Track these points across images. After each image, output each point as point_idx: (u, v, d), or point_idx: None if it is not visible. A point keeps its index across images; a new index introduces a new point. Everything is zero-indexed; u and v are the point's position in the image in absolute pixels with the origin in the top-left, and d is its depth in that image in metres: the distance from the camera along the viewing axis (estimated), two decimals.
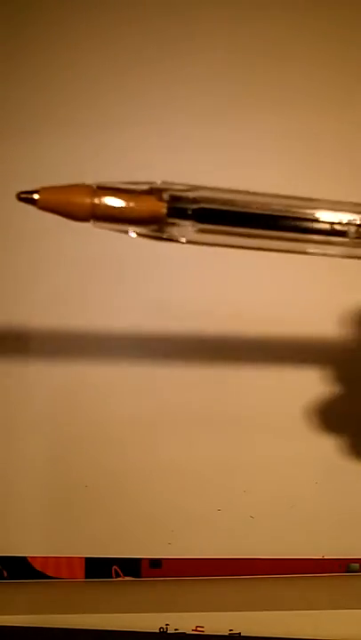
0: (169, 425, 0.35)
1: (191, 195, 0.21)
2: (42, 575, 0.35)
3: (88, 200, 0.20)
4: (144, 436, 0.35)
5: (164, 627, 0.33)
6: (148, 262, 0.36)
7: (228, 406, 0.35)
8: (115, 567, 0.35)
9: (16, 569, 0.35)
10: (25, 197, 0.20)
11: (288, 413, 0.35)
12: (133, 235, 0.21)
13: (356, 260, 0.22)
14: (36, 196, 0.20)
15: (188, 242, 0.21)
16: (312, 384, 0.34)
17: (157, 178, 0.35)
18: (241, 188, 0.21)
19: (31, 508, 0.35)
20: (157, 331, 0.35)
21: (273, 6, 0.37)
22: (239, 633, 0.32)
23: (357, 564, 0.34)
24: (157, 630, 0.33)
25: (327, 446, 0.34)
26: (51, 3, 0.37)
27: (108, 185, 0.20)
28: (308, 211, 0.21)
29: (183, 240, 0.21)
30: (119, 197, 0.20)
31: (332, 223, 0.21)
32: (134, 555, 0.35)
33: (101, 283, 0.36)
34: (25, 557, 0.35)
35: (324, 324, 0.35)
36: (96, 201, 0.20)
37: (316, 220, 0.21)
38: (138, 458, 0.35)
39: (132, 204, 0.20)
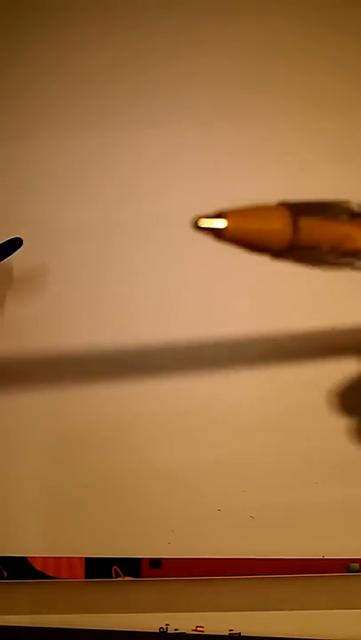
0: (169, 425, 0.35)
1: None
2: (42, 575, 0.35)
3: (288, 227, 0.14)
4: (144, 436, 0.35)
5: (164, 627, 0.33)
6: (138, 268, 0.36)
7: (227, 406, 0.35)
8: (115, 567, 0.35)
9: (16, 569, 0.35)
10: (206, 227, 0.14)
11: (288, 413, 0.35)
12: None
13: None
14: (221, 224, 0.14)
15: None
16: (311, 384, 0.35)
17: (160, 184, 0.35)
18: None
19: (31, 508, 0.35)
20: (155, 332, 0.35)
21: (274, 12, 0.37)
22: (239, 633, 0.32)
23: (357, 564, 0.34)
24: (157, 630, 0.33)
25: (327, 446, 0.34)
26: (53, 7, 0.37)
27: (304, 203, 0.15)
28: None
29: None
30: (325, 222, 0.15)
31: None
32: (134, 555, 0.35)
33: (101, 297, 0.36)
34: (25, 557, 0.35)
35: (321, 321, 0.35)
36: (303, 228, 0.14)
37: None
38: (138, 458, 0.35)
39: (343, 231, 0.15)
